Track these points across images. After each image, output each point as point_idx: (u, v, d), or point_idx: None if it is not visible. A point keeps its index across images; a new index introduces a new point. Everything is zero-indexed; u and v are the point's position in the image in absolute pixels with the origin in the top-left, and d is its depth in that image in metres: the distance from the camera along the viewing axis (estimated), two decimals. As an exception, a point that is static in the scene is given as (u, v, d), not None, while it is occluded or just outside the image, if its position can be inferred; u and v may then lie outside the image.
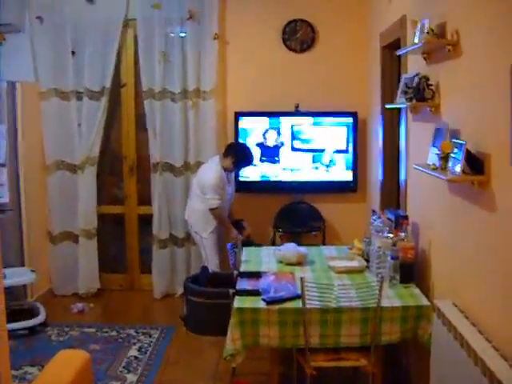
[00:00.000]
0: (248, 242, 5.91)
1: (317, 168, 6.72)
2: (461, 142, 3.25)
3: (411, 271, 4.31)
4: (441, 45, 3.74)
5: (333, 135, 6.70)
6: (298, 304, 3.91)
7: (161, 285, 6.92)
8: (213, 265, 6.02)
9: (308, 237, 6.67)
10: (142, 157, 7.04)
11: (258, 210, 6.83)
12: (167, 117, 6.73)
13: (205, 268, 5.16)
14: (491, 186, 3.04)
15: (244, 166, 6.37)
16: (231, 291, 4.13)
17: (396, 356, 4.91)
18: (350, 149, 6.69)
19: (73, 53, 6.67)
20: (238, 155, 6.15)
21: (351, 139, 6.68)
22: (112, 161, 7.16)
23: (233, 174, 6.41)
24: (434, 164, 3.64)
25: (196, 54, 6.65)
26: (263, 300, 3.95)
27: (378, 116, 6.04)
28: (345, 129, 6.68)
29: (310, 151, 6.72)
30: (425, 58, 4.22)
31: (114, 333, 5.89)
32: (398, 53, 4.66)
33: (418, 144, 4.56)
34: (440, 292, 4.03)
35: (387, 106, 5.09)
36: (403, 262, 4.26)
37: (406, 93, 4.26)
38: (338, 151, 6.71)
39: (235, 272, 4.54)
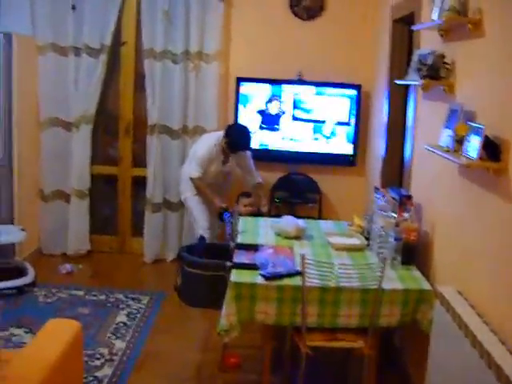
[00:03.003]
0: (258, 213, 6.02)
1: (317, 139, 6.59)
2: (479, 125, 3.12)
3: (413, 253, 4.22)
4: (461, 23, 3.60)
5: (335, 107, 6.57)
6: (297, 281, 3.81)
7: (152, 249, 6.82)
8: (201, 228, 6.00)
9: (304, 208, 6.58)
10: (138, 118, 6.87)
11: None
12: (167, 78, 6.56)
13: (202, 238, 5.04)
14: (508, 174, 2.93)
15: (237, 150, 6.05)
16: (228, 264, 4.01)
17: (389, 339, 4.83)
18: (352, 122, 6.56)
19: (73, 7, 6.44)
20: (232, 138, 5.95)
21: (354, 112, 6.54)
22: (108, 120, 6.96)
23: (243, 157, 6.23)
24: (447, 146, 3.52)
25: (200, 14, 6.46)
26: (262, 275, 3.84)
27: (383, 91, 5.92)
28: (348, 101, 6.55)
29: (311, 122, 6.58)
30: (441, 35, 4.08)
31: (103, 296, 5.78)
32: (414, 28, 4.50)
33: (427, 123, 4.45)
34: (441, 277, 3.95)
35: (397, 82, 4.94)
36: (405, 244, 4.17)
37: (419, 70, 4.12)
38: (340, 123, 6.58)
39: (232, 243, 4.42)
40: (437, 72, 3.94)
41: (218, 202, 5.97)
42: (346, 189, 6.80)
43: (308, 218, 5.61)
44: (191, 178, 6.04)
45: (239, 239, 4.58)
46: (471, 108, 3.46)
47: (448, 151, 3.49)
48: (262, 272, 3.86)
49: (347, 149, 6.61)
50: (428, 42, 4.42)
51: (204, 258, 4.42)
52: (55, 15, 6.49)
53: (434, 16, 3.85)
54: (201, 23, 6.48)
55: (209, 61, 6.51)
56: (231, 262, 4.07)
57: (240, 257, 4.16)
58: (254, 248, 4.31)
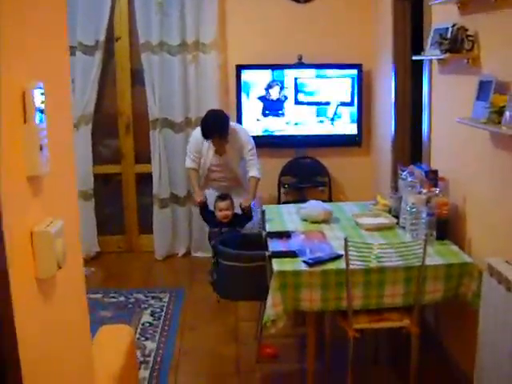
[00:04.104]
0: (243, 215, 5.56)
1: (321, 121, 6.53)
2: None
3: (446, 228, 4.20)
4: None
5: (337, 88, 6.51)
6: (339, 265, 3.76)
7: (162, 245, 6.74)
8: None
9: (313, 192, 6.51)
10: (138, 114, 6.75)
11: (261, 166, 6.62)
12: (165, 71, 6.45)
13: (234, 230, 4.97)
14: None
15: (206, 137, 5.51)
16: (267, 253, 3.95)
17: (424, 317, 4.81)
18: (355, 102, 6.50)
19: (64, 5, 6.30)
20: (200, 125, 5.62)
21: (356, 92, 6.49)
22: (107, 118, 6.84)
23: (238, 147, 5.73)
24: (484, 118, 3.48)
25: (195, 3, 6.35)
26: (304, 262, 3.78)
27: (387, 69, 5.86)
28: (349, 81, 6.49)
29: (314, 104, 6.52)
30: (458, 8, 4.03)
31: (122, 298, 5.70)
32: (431, 3, 4.42)
33: (448, 97, 4.40)
34: (478, 249, 3.93)
35: (414, 58, 4.87)
36: (438, 219, 4.13)
37: (440, 44, 4.07)
38: (343, 104, 6.52)
39: (263, 232, 4.36)
40: (460, 45, 3.90)
41: (197, 196, 5.70)
42: (353, 170, 6.75)
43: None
44: (186, 168, 5.93)
45: (268, 227, 4.51)
46: (503, 79, 3.43)
47: (486, 123, 3.44)
48: (304, 259, 3.80)
49: (352, 129, 6.57)
50: (443, 16, 4.36)
51: (237, 250, 4.33)
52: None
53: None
54: (196, 12, 6.37)
55: (207, 50, 6.41)
56: (267, 251, 4.01)
57: (275, 245, 4.10)
58: (285, 235, 4.26)
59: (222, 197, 5.53)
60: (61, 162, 1.63)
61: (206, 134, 5.47)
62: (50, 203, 1.53)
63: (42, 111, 1.42)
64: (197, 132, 5.67)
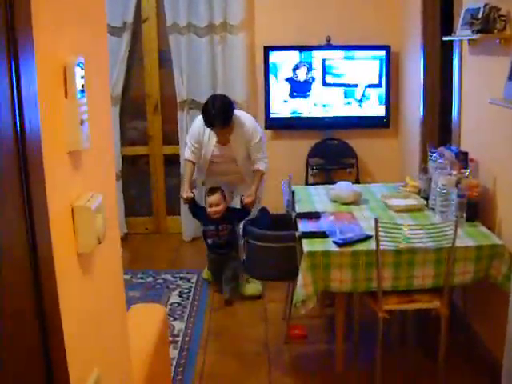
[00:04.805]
0: (244, 211, 5.18)
1: (349, 103, 6.50)
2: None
3: (476, 209, 4.17)
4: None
5: (365, 69, 6.46)
6: (369, 246, 3.76)
7: (190, 227, 6.74)
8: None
9: (341, 174, 6.48)
10: (166, 95, 6.77)
11: (289, 148, 6.64)
12: (193, 52, 6.44)
13: (264, 209, 4.95)
14: None
15: (207, 125, 5.09)
16: (298, 234, 3.95)
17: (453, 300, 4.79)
18: (383, 83, 6.46)
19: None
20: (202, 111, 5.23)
21: (384, 73, 6.44)
22: (135, 100, 6.86)
23: (243, 136, 5.24)
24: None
25: (222, -17, 6.33)
26: (335, 242, 3.78)
27: (415, 50, 5.80)
28: (377, 63, 6.44)
29: (342, 86, 6.48)
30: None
31: (151, 279, 5.74)
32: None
33: (479, 78, 4.36)
34: (509, 231, 3.90)
35: (444, 39, 4.82)
36: (468, 200, 4.10)
37: (472, 24, 4.03)
38: (371, 86, 6.48)
39: (293, 213, 4.35)
40: (491, 25, 3.86)
41: (184, 192, 5.30)
42: (381, 151, 6.72)
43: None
44: (183, 160, 5.65)
45: (297, 208, 4.51)
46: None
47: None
48: (334, 239, 3.80)
49: (380, 111, 6.53)
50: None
51: (267, 230, 4.33)
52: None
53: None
54: (223, -8, 6.34)
55: (234, 32, 6.39)
56: (297, 231, 4.01)
57: (305, 226, 4.10)
58: (315, 216, 4.26)
59: (212, 190, 5.19)
60: (100, 138, 1.64)
61: (207, 121, 5.04)
62: (90, 178, 1.54)
63: (82, 86, 1.42)
64: (198, 120, 5.30)
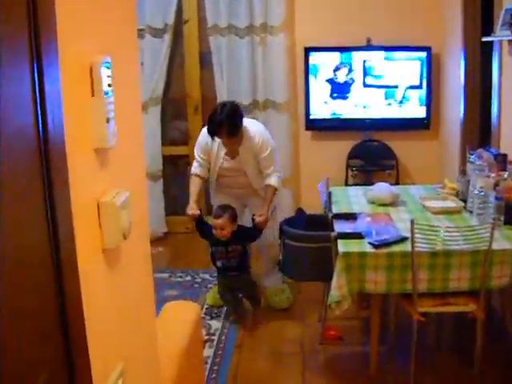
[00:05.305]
0: (255, 231, 4.81)
1: (389, 104, 6.46)
2: None
3: (515, 212, 4.12)
4: None
5: (405, 70, 6.42)
6: (404, 247, 3.74)
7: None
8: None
9: (381, 175, 6.45)
10: (206, 96, 6.82)
11: (329, 149, 6.64)
12: (234, 53, 6.48)
13: (300, 210, 4.95)
14: None
15: (211, 135, 4.73)
16: (333, 234, 3.95)
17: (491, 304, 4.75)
18: (424, 85, 6.41)
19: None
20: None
21: (425, 75, 6.40)
22: (176, 101, 6.93)
23: (252, 149, 4.84)
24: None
25: (262, -15, 6.35)
26: (370, 244, 3.77)
27: (456, 51, 5.75)
28: (418, 64, 6.39)
29: (383, 87, 6.46)
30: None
31: (189, 277, 5.78)
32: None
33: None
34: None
35: (484, 39, 4.78)
36: (506, 203, 4.05)
37: (511, 24, 3.99)
38: (412, 87, 6.44)
39: (330, 214, 4.35)
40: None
41: (189, 209, 4.90)
42: (421, 153, 6.67)
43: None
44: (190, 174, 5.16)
45: (334, 209, 4.51)
46: None
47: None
48: (369, 240, 3.79)
49: (420, 112, 6.48)
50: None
51: (305, 231, 4.34)
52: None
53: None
54: (263, -7, 6.36)
55: (275, 33, 6.40)
56: (333, 232, 4.01)
57: (341, 226, 4.09)
58: (352, 217, 4.26)
59: (218, 213, 4.73)
60: (128, 136, 1.67)
61: (211, 129, 4.66)
62: (116, 175, 1.56)
63: (109, 85, 1.45)
64: (205, 130, 4.88)
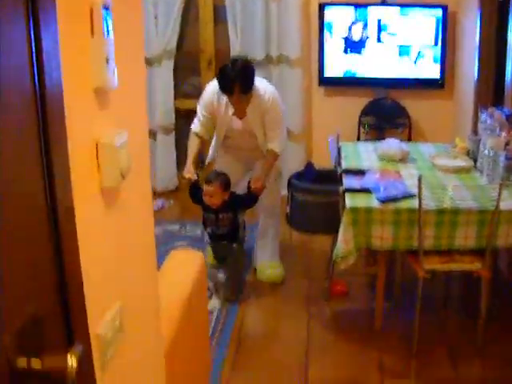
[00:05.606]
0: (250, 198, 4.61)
1: (404, 62, 6.40)
2: None
3: (524, 172, 4.11)
4: None
5: (421, 29, 6.34)
6: (412, 204, 3.75)
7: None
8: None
9: (393, 133, 6.39)
10: (219, 50, 6.76)
11: (341, 105, 6.61)
12: (248, 8, 6.41)
13: (310, 164, 4.93)
14: None
15: (222, 91, 4.45)
16: (341, 189, 3.95)
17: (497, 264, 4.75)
18: (439, 43, 6.34)
19: None
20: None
21: (440, 33, 6.32)
22: (189, 55, 6.89)
23: (261, 109, 4.59)
24: None
25: None
26: (377, 199, 3.78)
27: (473, 9, 5.67)
28: (433, 22, 6.31)
29: (397, 45, 6.38)
30: None
31: (199, 231, 5.80)
32: None
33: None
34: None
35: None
36: (516, 163, 4.04)
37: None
38: (426, 45, 6.36)
39: (339, 169, 4.35)
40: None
41: (186, 172, 4.67)
42: (435, 112, 6.62)
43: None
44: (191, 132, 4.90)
45: (343, 164, 4.50)
46: None
47: None
48: (377, 195, 3.80)
49: (434, 71, 6.40)
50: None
51: (313, 185, 4.35)
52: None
53: None
54: (279, -51, 6.28)
55: (289, -14, 6.33)
56: (342, 187, 4.01)
57: (350, 182, 4.10)
58: (361, 172, 4.26)
59: (209, 179, 4.47)
60: (129, 79, 1.67)
61: (224, 85, 4.39)
62: (116, 116, 1.57)
63: (109, 27, 1.45)
64: (211, 86, 4.65)
